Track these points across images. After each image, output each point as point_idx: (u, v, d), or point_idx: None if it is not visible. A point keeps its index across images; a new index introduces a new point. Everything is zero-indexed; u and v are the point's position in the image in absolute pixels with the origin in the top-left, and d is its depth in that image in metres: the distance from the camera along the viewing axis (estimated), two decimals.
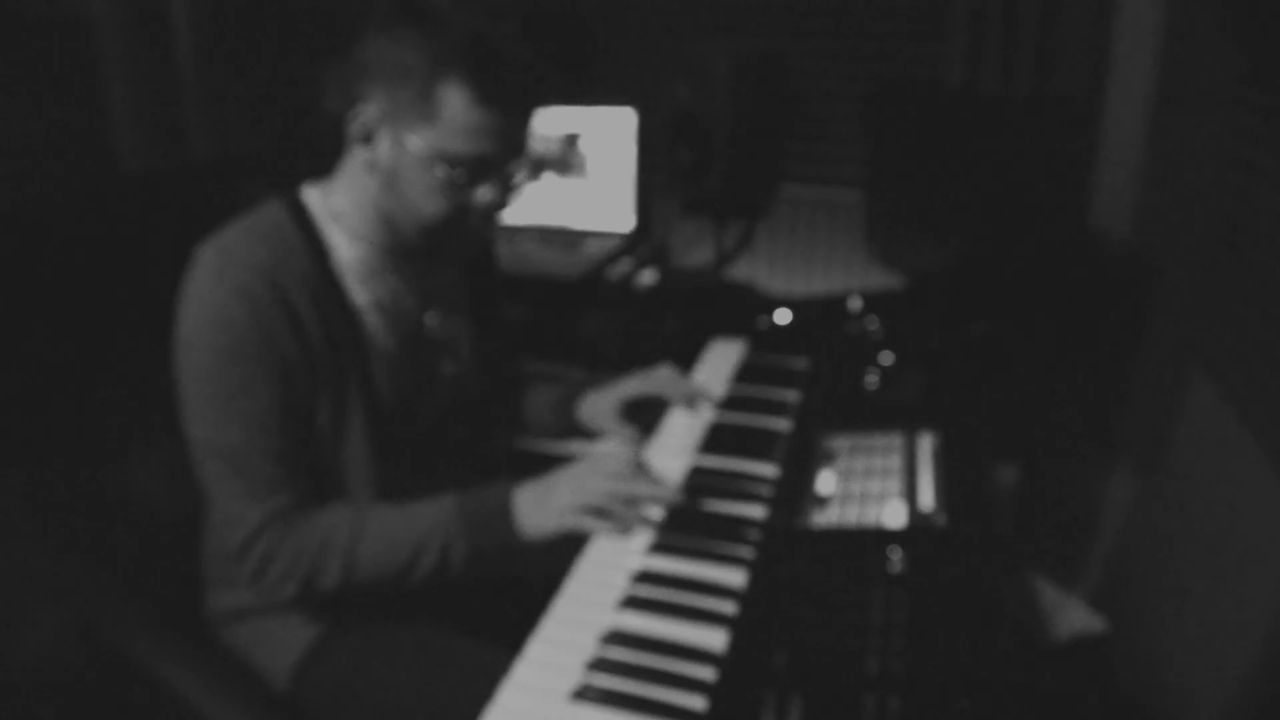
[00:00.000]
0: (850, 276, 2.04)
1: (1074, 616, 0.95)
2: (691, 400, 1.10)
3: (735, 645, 0.71)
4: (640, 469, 0.88)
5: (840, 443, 0.96)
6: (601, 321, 1.92)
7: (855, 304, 1.38)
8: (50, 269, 1.09)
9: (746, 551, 0.82)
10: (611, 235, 2.01)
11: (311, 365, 0.90)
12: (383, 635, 0.97)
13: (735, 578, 0.79)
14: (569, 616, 0.76)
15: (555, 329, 1.81)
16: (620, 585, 0.79)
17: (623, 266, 2.00)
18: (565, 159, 2.02)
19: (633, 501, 0.84)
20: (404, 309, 1.00)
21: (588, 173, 2.02)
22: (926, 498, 0.83)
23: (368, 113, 0.88)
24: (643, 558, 0.83)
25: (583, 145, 2.00)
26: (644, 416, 1.14)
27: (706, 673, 0.68)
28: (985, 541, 0.76)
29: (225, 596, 1.01)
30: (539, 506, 0.87)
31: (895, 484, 0.86)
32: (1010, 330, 1.39)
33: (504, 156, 0.90)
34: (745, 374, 1.23)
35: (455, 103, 0.85)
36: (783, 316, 1.47)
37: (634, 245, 2.00)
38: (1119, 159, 1.46)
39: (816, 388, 1.14)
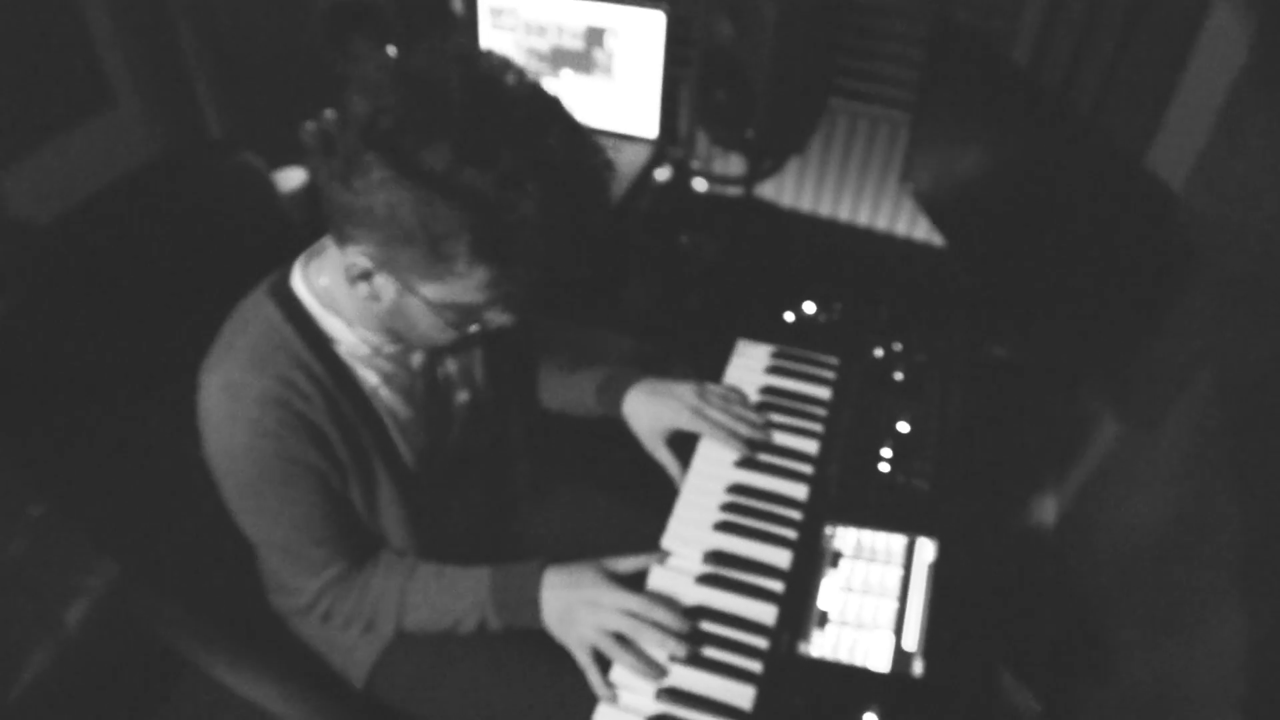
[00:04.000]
0: (880, 203, 2.06)
1: (1015, 698, 1.17)
2: (738, 441, 1.24)
3: None
4: (658, 608, 1.03)
5: (847, 538, 1.13)
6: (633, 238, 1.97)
7: (882, 313, 1.46)
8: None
9: (754, 665, 1.02)
10: (636, 139, 2.01)
11: (338, 464, 1.03)
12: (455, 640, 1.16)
13: (744, 694, 0.99)
14: None
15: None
16: (645, 692, 1.00)
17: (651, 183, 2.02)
18: (588, 56, 1.96)
19: (640, 645, 1.02)
20: (414, 372, 1.10)
21: (613, 73, 1.97)
22: (913, 633, 1.01)
23: (361, 258, 0.89)
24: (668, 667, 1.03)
25: (608, 44, 1.93)
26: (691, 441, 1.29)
27: None
28: (964, 689, 0.95)
29: (287, 601, 1.22)
30: (563, 617, 1.05)
31: (889, 607, 1.04)
32: (1030, 337, 1.49)
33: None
34: (768, 400, 1.36)
35: (465, 267, 0.86)
36: (809, 308, 1.55)
37: (659, 161, 2.00)
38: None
39: (840, 422, 1.28)
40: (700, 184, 2.11)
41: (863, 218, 2.10)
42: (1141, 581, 1.48)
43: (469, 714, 1.15)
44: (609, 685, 1.01)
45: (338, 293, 1.00)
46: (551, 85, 0.90)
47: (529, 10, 1.96)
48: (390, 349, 1.05)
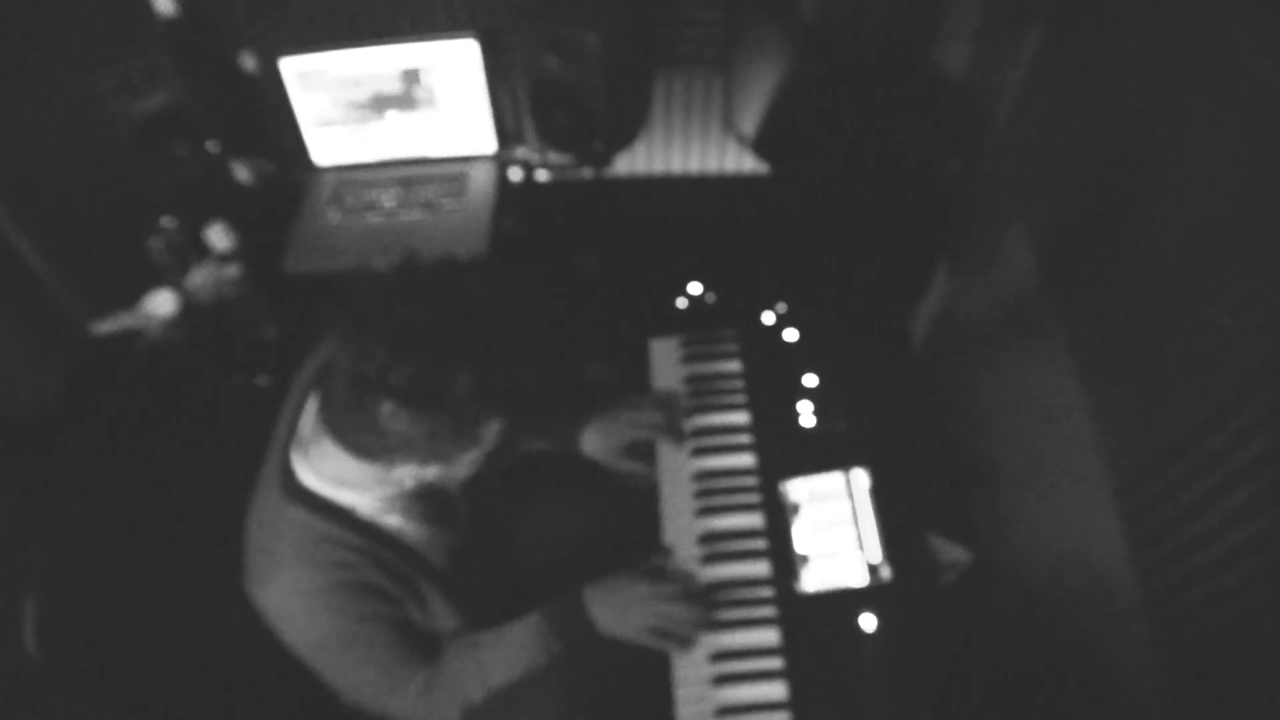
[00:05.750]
0: (706, 153, 2.35)
1: (950, 554, 1.59)
2: (679, 436, 1.56)
3: (794, 693, 1.30)
4: (691, 589, 1.37)
5: (799, 489, 1.48)
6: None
7: (760, 279, 1.78)
8: None
9: (769, 611, 1.38)
10: (477, 159, 2.18)
11: (397, 601, 1.26)
12: None
13: (771, 636, 1.36)
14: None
15: None
16: (702, 662, 1.35)
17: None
18: (409, 95, 2.09)
19: (689, 625, 1.35)
20: (425, 499, 1.31)
21: (436, 104, 2.11)
22: (874, 547, 1.40)
23: (410, 468, 1.11)
24: (709, 637, 1.37)
25: (425, 80, 2.07)
26: (643, 448, 1.59)
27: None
28: (926, 581, 1.34)
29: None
30: (617, 619, 1.34)
31: (850, 534, 1.42)
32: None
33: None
34: (694, 388, 1.67)
35: (498, 429, 1.11)
36: (695, 288, 1.86)
37: (505, 169, 2.19)
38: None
39: (758, 388, 1.62)
40: (543, 175, 2.31)
41: (694, 165, 2.39)
42: (990, 380, 1.92)
43: (563, 709, 1.43)
44: (681, 644, 1.33)
45: (348, 473, 1.17)
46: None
47: (337, 68, 2.05)
48: (393, 492, 1.24)
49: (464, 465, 1.16)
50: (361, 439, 1.07)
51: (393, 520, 1.27)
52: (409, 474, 1.13)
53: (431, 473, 1.14)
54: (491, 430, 1.10)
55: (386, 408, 1.02)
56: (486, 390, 1.04)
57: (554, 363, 1.15)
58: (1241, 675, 1.08)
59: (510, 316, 1.07)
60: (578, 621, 1.35)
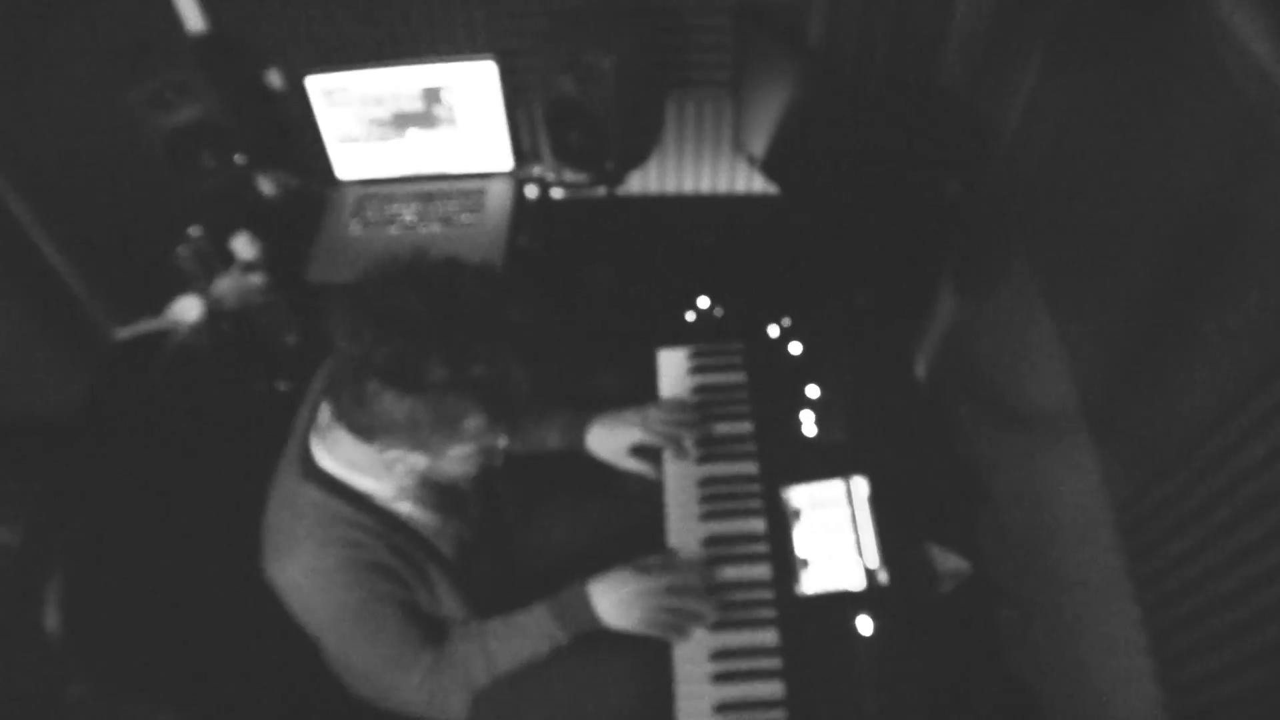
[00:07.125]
0: (717, 172, 2.43)
1: (949, 564, 1.64)
2: (687, 450, 1.62)
3: (790, 692, 1.35)
4: (699, 578, 1.43)
5: (800, 495, 1.54)
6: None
7: (767, 295, 1.85)
8: None
9: (769, 612, 1.43)
10: (494, 175, 2.27)
11: (406, 583, 1.34)
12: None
13: (769, 636, 1.41)
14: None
15: None
16: (703, 660, 1.40)
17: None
18: (429, 113, 2.18)
19: (691, 615, 1.40)
20: (438, 489, 1.39)
21: (456, 123, 2.20)
22: (872, 553, 1.45)
23: (393, 451, 1.17)
24: (709, 636, 1.42)
25: (446, 99, 2.16)
26: (650, 450, 1.64)
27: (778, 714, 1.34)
28: (923, 587, 1.39)
29: (389, 697, 1.46)
30: (622, 611, 1.40)
31: (848, 539, 1.47)
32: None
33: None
34: (702, 398, 1.74)
35: (477, 426, 1.17)
36: (704, 302, 1.93)
37: (522, 186, 2.27)
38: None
39: (762, 400, 1.68)
40: (558, 193, 2.39)
41: (704, 185, 2.47)
42: (993, 397, 1.97)
43: (567, 706, 1.49)
44: (684, 636, 1.38)
45: (359, 457, 1.26)
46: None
47: (360, 86, 2.14)
48: (409, 481, 1.33)
49: (454, 462, 1.22)
50: (352, 415, 1.15)
51: (405, 507, 1.35)
52: (398, 459, 1.20)
53: (419, 462, 1.20)
54: (473, 425, 1.15)
55: (371, 385, 1.10)
56: (463, 382, 1.10)
57: (543, 370, 1.20)
58: (1240, 689, 1.11)
59: (499, 317, 1.13)
60: (582, 612, 1.41)
